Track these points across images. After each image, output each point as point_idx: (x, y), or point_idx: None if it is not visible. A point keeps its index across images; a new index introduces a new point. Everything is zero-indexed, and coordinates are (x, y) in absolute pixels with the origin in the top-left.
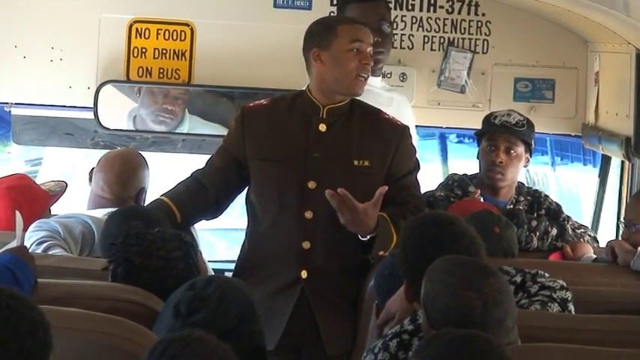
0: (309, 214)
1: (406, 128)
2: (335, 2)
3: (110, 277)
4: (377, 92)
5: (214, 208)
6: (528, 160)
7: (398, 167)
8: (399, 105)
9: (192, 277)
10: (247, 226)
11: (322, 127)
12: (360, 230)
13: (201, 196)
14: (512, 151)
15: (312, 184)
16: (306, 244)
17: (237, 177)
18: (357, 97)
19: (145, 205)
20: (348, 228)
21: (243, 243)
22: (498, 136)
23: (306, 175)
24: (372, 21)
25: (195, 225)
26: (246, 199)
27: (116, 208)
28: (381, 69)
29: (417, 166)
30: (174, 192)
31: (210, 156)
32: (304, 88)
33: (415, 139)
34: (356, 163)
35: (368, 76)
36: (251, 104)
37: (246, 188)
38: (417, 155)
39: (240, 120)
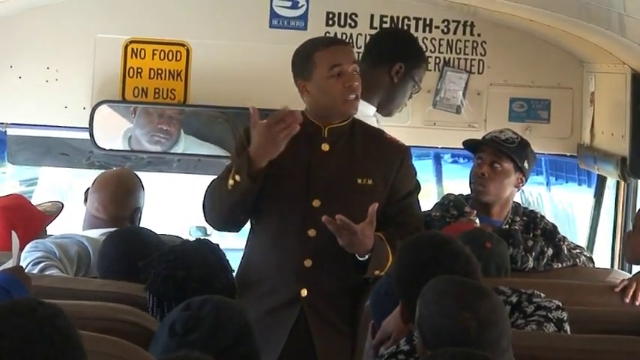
0: (312, 232)
1: (408, 148)
2: (330, 22)
3: (152, 300)
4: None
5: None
6: (521, 181)
7: (400, 187)
8: None
9: (231, 277)
10: (247, 243)
11: (325, 147)
12: (358, 250)
13: None
14: (496, 165)
15: (316, 203)
16: (308, 262)
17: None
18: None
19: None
20: (347, 249)
21: (242, 258)
22: (485, 149)
23: (310, 193)
24: None
25: None
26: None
27: (112, 229)
28: None
29: (417, 187)
30: None
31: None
32: (303, 109)
33: None
34: (360, 181)
35: (358, 96)
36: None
37: None
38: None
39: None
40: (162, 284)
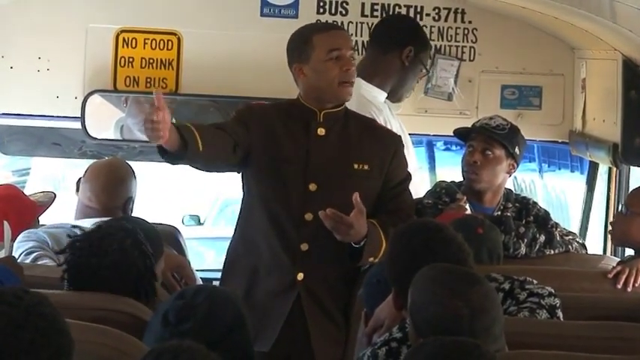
0: (308, 216)
1: (400, 137)
2: (321, 10)
3: (68, 285)
4: (383, 106)
5: (229, 154)
6: (513, 167)
7: (393, 175)
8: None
9: (150, 263)
10: (238, 228)
11: (321, 131)
12: (353, 239)
13: (221, 136)
14: (488, 152)
15: (312, 187)
16: (305, 246)
17: (242, 148)
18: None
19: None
20: (344, 240)
21: (231, 244)
22: (476, 137)
23: (307, 177)
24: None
25: (183, 234)
26: (242, 201)
27: (104, 218)
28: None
29: (409, 175)
30: (195, 124)
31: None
32: (297, 97)
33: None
34: (356, 166)
35: (353, 82)
36: (251, 104)
37: (242, 192)
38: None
39: (247, 112)
40: (77, 272)
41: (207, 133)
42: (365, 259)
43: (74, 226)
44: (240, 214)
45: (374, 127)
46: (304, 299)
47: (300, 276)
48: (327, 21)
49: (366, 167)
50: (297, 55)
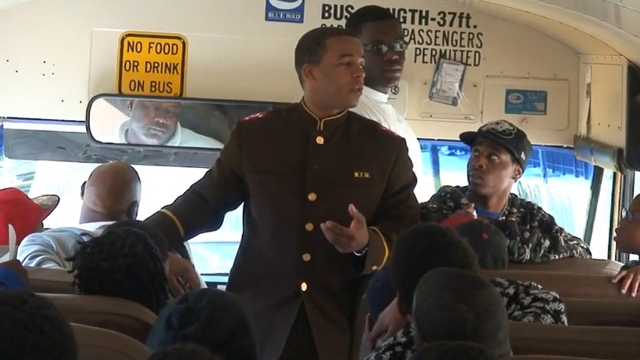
0: (309, 227)
1: (404, 140)
2: (326, 15)
3: (79, 291)
4: (383, 107)
5: (215, 220)
6: (519, 173)
7: (396, 180)
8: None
9: (161, 267)
10: (242, 238)
11: (320, 140)
12: (354, 249)
13: (203, 210)
14: (494, 157)
15: (312, 197)
16: (307, 257)
17: (237, 190)
18: (354, 109)
19: (147, 217)
20: (346, 252)
21: (237, 255)
22: (482, 142)
23: (306, 187)
24: (390, 39)
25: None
26: (243, 211)
27: (109, 222)
28: (396, 86)
29: (414, 179)
30: (175, 205)
31: (207, 169)
32: (299, 102)
33: (419, 154)
34: (356, 175)
35: (361, 88)
36: (246, 118)
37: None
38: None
39: (236, 134)
40: (88, 277)
41: (186, 212)
42: (368, 268)
43: (83, 233)
44: (243, 226)
45: (376, 131)
46: (308, 309)
47: (304, 286)
48: (331, 25)
49: (366, 175)
50: (307, 55)
